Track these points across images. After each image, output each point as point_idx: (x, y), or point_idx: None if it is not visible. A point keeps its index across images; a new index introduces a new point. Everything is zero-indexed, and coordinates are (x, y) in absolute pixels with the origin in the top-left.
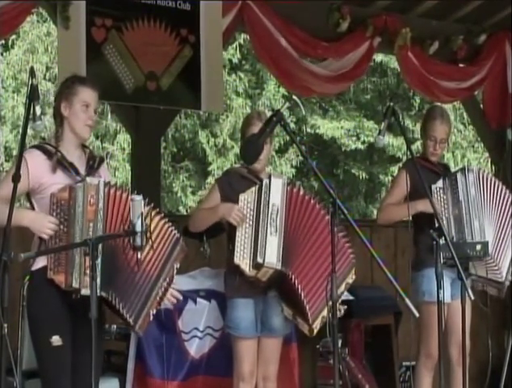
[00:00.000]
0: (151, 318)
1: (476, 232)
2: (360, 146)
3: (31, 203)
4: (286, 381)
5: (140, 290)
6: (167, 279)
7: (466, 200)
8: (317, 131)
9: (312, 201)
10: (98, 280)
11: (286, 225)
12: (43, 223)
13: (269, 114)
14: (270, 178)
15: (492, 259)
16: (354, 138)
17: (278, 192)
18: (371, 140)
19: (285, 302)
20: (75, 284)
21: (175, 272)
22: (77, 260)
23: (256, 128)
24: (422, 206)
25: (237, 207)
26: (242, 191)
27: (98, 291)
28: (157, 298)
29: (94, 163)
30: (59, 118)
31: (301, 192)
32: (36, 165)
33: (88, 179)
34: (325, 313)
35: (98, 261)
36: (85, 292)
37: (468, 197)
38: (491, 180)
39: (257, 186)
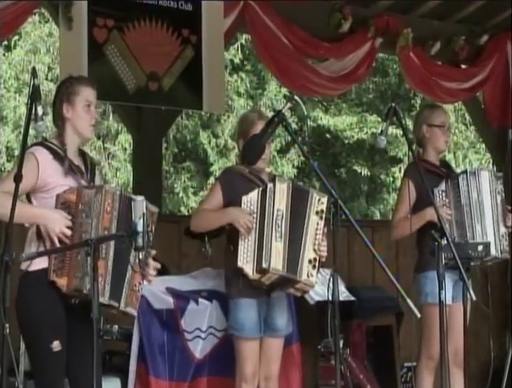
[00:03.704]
0: None
1: (478, 237)
2: (364, 137)
3: (29, 201)
4: (288, 383)
5: None
6: None
7: (468, 205)
8: (319, 122)
9: None
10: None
11: (291, 229)
12: (60, 227)
13: (270, 114)
14: (274, 181)
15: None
16: (356, 130)
17: (283, 198)
18: (375, 131)
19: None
20: (86, 291)
21: None
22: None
23: (259, 127)
24: (430, 216)
25: (248, 216)
26: (244, 193)
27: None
28: None
29: (92, 168)
30: (61, 121)
31: None
32: (46, 164)
33: (106, 186)
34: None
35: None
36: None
37: (470, 202)
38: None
39: (260, 189)
